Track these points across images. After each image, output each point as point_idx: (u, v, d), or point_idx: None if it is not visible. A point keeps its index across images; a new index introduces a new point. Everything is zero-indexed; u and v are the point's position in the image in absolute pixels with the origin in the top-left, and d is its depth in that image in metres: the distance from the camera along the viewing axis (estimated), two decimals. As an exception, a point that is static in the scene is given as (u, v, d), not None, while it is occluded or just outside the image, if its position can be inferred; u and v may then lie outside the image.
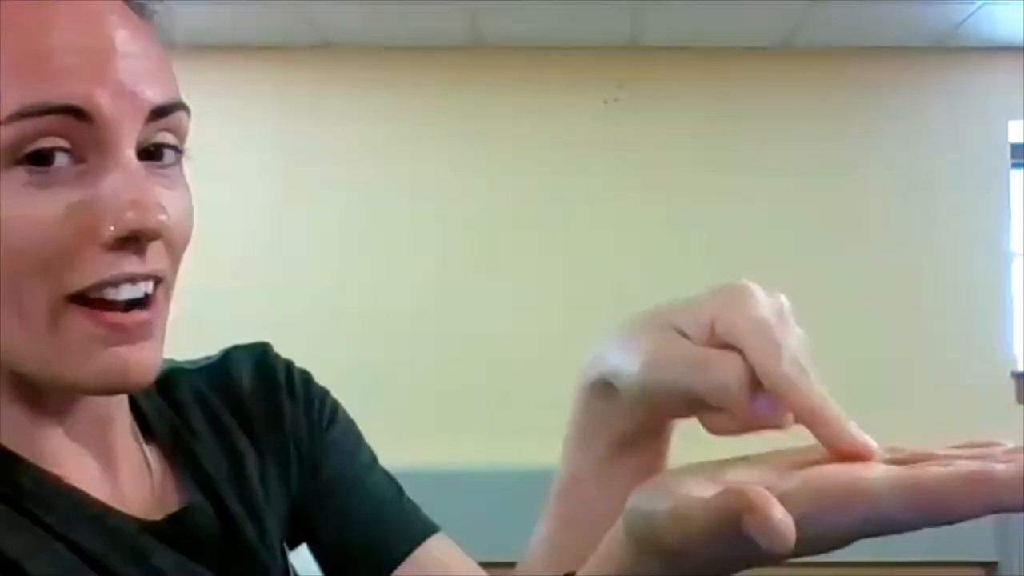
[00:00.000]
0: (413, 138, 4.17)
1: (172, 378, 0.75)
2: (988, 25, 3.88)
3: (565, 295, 4.03)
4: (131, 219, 0.57)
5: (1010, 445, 0.40)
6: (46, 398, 0.63)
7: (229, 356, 0.79)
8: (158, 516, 0.67)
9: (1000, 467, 0.35)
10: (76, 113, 0.56)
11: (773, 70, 4.14)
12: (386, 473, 0.79)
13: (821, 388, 0.45)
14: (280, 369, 0.78)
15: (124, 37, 0.59)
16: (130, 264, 0.58)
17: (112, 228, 0.57)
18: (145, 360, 0.60)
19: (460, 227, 4.16)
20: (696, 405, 0.48)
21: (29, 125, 0.55)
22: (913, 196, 4.12)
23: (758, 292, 0.47)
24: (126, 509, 0.65)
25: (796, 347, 0.45)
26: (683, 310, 0.50)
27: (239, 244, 4.00)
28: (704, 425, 0.51)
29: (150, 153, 0.60)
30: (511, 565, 0.73)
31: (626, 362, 0.53)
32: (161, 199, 0.59)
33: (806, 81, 4.15)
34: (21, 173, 0.56)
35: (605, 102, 4.11)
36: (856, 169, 4.12)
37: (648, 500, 0.42)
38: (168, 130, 0.61)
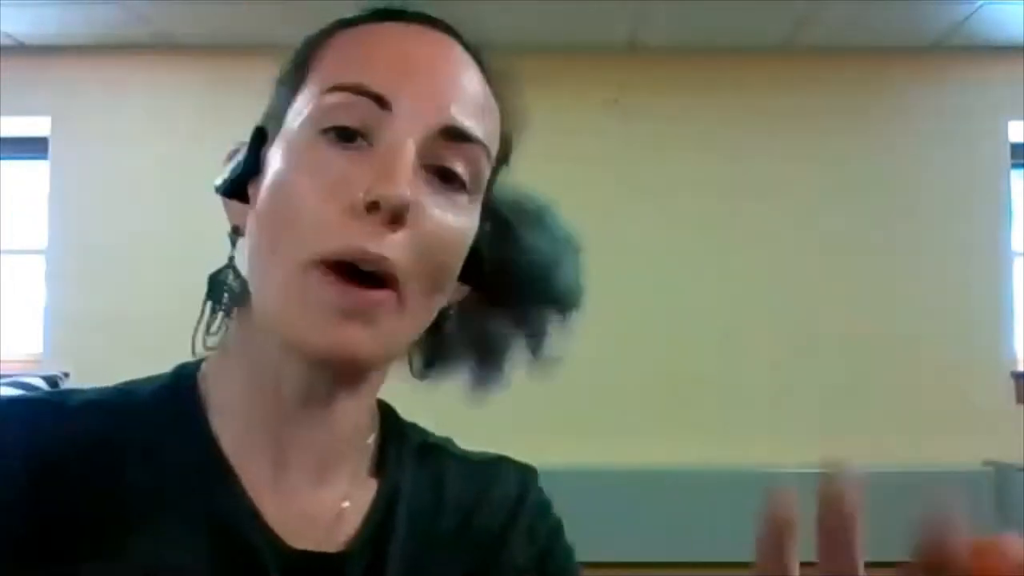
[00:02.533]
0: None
1: (436, 450, 0.79)
2: (988, 25, 3.88)
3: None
4: (378, 187, 0.61)
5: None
6: (284, 409, 0.68)
7: (501, 469, 0.80)
8: (308, 543, 0.68)
9: None
10: (379, 101, 0.64)
11: (773, 71, 4.14)
12: None
13: None
14: (533, 509, 0.79)
15: (450, 68, 0.68)
16: (366, 237, 0.61)
17: (361, 194, 0.62)
18: (334, 342, 0.62)
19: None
20: None
21: (340, 98, 0.65)
22: (913, 196, 4.12)
23: None
24: (287, 517, 0.68)
25: None
26: None
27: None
28: None
29: (441, 174, 0.66)
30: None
31: None
32: (430, 209, 0.64)
33: (806, 82, 4.15)
34: (323, 139, 0.64)
35: (605, 103, 4.11)
36: (856, 169, 4.12)
37: None
38: (462, 160, 0.66)
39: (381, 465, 0.74)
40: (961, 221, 4.10)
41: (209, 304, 0.71)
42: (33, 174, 4.22)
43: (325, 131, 0.65)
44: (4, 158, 4.28)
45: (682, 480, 3.80)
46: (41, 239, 4.13)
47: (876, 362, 4.00)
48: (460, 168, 0.66)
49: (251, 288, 0.67)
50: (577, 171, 4.07)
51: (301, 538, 0.68)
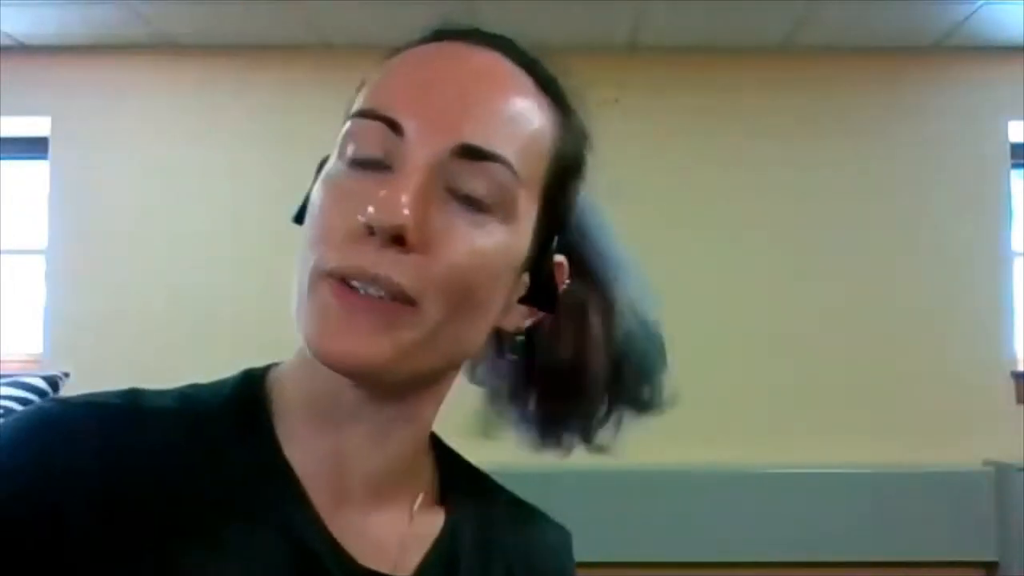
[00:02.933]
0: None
1: (481, 483, 0.81)
2: (988, 25, 3.88)
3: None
4: (370, 212, 0.63)
5: None
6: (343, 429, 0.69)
7: (542, 527, 0.84)
8: (372, 564, 0.69)
9: None
10: (392, 125, 0.65)
11: (773, 71, 4.14)
12: None
13: None
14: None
15: (471, 85, 0.68)
16: (364, 257, 0.63)
17: (359, 217, 0.63)
18: (338, 347, 0.63)
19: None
20: None
21: (358, 125, 0.67)
22: (913, 196, 4.12)
23: None
24: (350, 536, 0.69)
25: None
26: None
27: (239, 243, 4.00)
28: None
29: (466, 194, 0.65)
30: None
31: None
32: (451, 231, 0.64)
33: (806, 82, 4.15)
34: (346, 164, 0.67)
35: (605, 103, 4.10)
36: (856, 169, 4.12)
37: None
38: (482, 179, 0.66)
39: (440, 494, 0.76)
40: (961, 221, 4.10)
41: None
42: (33, 174, 4.22)
43: (348, 156, 0.67)
44: (4, 158, 4.27)
45: (682, 480, 3.80)
46: (41, 239, 4.13)
47: (876, 362, 3.99)
48: (481, 188, 0.66)
49: None
50: (577, 171, 4.06)
51: (365, 559, 0.69)
